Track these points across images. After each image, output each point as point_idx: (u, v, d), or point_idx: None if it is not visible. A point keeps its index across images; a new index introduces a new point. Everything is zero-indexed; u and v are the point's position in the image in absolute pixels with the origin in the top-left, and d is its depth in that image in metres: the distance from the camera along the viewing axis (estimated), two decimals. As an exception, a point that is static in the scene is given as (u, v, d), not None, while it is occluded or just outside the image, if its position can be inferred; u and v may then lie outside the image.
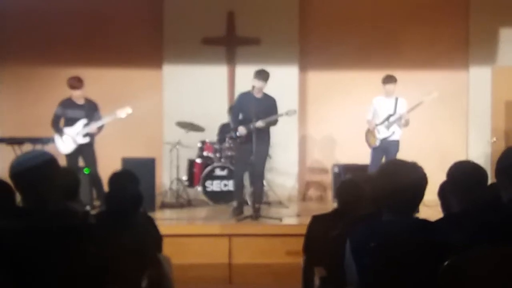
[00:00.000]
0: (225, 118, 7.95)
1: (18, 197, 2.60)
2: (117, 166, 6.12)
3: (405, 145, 7.19)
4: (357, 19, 8.69)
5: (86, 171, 6.83)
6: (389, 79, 7.13)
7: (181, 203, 7.62)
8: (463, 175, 2.85)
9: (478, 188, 2.80)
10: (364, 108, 7.43)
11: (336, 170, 8.05)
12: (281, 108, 6.63)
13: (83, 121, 6.86)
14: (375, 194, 2.68)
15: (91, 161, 6.92)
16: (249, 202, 6.96)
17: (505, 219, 2.42)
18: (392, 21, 8.72)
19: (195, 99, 8.48)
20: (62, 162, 6.55)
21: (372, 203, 3.13)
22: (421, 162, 2.55)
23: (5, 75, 8.77)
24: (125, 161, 6.89)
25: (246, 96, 6.64)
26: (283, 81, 8.06)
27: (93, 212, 5.20)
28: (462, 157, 7.68)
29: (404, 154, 6.02)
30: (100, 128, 6.96)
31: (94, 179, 6.85)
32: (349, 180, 3.98)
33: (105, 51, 8.67)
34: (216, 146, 7.86)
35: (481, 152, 8.48)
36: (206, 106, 8.39)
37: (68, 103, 6.90)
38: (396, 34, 8.72)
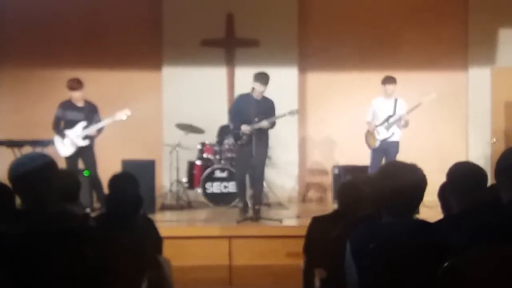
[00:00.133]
0: (224, 120, 7.94)
1: (18, 200, 2.60)
2: (117, 168, 6.11)
3: (405, 146, 7.20)
4: (356, 20, 8.70)
5: (86, 173, 6.82)
6: (388, 80, 7.13)
7: (181, 205, 7.61)
8: (462, 176, 2.84)
9: (478, 189, 2.80)
10: (363, 109, 7.43)
11: (336, 171, 8.05)
12: (280, 110, 6.63)
13: (82, 124, 6.86)
14: (375, 196, 2.68)
15: (91, 163, 6.92)
16: (249, 204, 6.97)
17: (505, 220, 2.41)
18: (391, 22, 8.73)
19: (194, 101, 8.48)
20: (62, 164, 6.55)
21: (372, 204, 3.13)
22: (420, 163, 2.55)
23: (4, 77, 8.77)
24: (125, 163, 6.89)
25: (245, 98, 6.65)
26: (282, 82, 8.05)
27: (93, 214, 5.20)
28: (461, 158, 7.68)
29: (404, 155, 6.06)
30: (99, 131, 6.96)
31: (94, 181, 6.84)
32: (349, 182, 3.99)
33: (105, 53, 8.67)
34: (216, 148, 7.86)
35: (480, 153, 8.48)
36: (205, 108, 8.38)
37: (67, 105, 6.90)
38: (395, 35, 8.73)
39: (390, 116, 7.12)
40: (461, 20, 8.81)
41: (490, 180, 2.81)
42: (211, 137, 8.01)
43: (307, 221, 4.17)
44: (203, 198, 7.69)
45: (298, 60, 8.68)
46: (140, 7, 8.84)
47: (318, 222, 4.02)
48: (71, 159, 6.86)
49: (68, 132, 6.85)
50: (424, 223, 2.52)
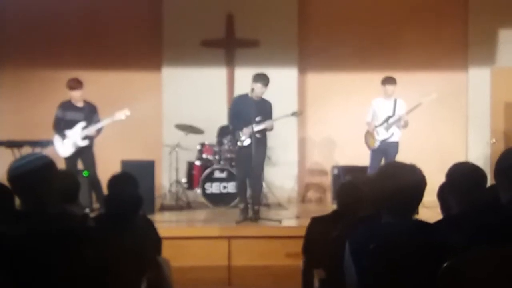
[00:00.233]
0: (224, 120, 7.93)
1: (17, 200, 2.60)
2: (116, 168, 6.11)
3: (405, 147, 7.20)
4: (356, 20, 8.70)
5: (85, 174, 6.82)
6: (388, 81, 7.13)
7: (181, 205, 7.61)
8: (462, 177, 2.85)
9: (477, 190, 2.80)
10: (363, 109, 7.43)
11: (336, 171, 8.05)
12: (280, 110, 6.63)
13: (82, 124, 6.86)
14: (374, 196, 2.68)
15: (90, 163, 6.92)
16: (249, 204, 6.96)
17: (504, 220, 2.41)
18: (391, 23, 8.73)
19: (194, 101, 8.47)
20: (61, 165, 6.55)
21: (371, 205, 3.13)
22: (420, 164, 2.56)
23: (4, 78, 8.77)
24: (125, 163, 6.88)
25: (244, 99, 6.64)
26: (282, 83, 8.04)
27: (93, 214, 5.19)
28: (461, 159, 7.70)
29: (404, 156, 6.06)
30: (99, 131, 6.96)
31: (93, 181, 6.84)
32: (348, 182, 3.99)
33: (105, 54, 8.67)
34: (216, 149, 7.86)
35: (480, 153, 8.48)
36: (205, 108, 8.38)
37: (67, 105, 6.91)
38: (395, 35, 8.72)
39: (389, 117, 7.12)
40: (461, 20, 8.81)
41: (490, 181, 2.81)
42: (210, 138, 8.00)
43: (306, 222, 4.17)
44: (202, 199, 7.69)
45: (298, 60, 8.68)
46: (140, 7, 8.83)
47: (317, 223, 4.02)
48: (71, 160, 6.86)
49: (67, 132, 6.85)
50: (423, 223, 2.52)
